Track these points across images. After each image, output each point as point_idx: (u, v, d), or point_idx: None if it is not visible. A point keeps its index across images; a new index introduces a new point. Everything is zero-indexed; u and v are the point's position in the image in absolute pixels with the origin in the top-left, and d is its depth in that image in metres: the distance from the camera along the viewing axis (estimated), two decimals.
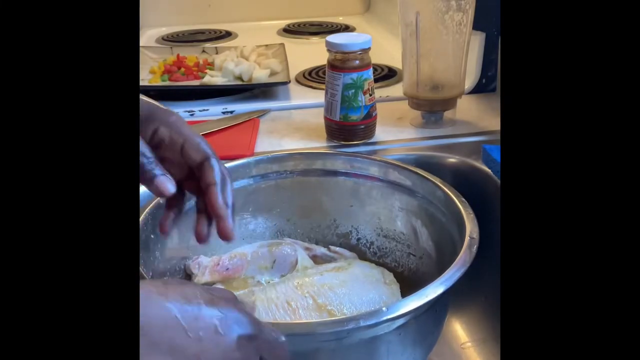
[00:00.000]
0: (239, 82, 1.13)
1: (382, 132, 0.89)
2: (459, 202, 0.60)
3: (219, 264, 0.68)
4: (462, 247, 0.53)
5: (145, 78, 1.14)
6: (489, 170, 0.76)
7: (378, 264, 0.71)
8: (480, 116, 0.94)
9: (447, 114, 0.92)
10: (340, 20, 1.76)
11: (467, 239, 0.54)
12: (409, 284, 0.67)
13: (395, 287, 0.65)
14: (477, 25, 0.89)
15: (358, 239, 0.74)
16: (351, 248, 0.74)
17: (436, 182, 0.64)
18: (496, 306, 0.70)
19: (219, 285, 0.67)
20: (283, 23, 1.74)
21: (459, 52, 0.87)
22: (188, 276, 0.68)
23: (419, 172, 0.67)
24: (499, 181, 0.74)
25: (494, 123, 0.91)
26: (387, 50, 1.37)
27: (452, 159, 0.81)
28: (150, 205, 0.61)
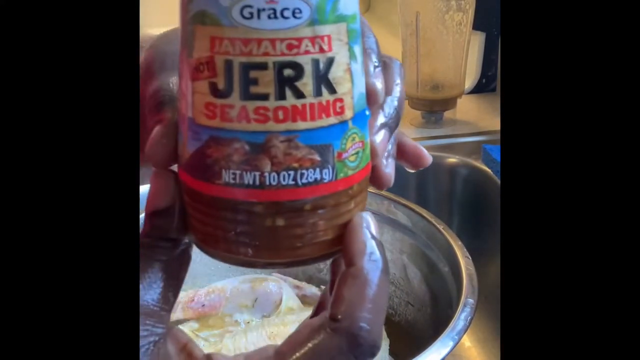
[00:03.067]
0: None
1: None
2: (460, 253, 0.54)
3: (193, 300, 0.62)
4: (457, 310, 0.48)
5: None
6: (489, 170, 0.76)
7: None
8: (480, 116, 0.94)
9: (447, 114, 0.92)
10: None
11: (460, 305, 0.48)
12: (403, 337, 0.63)
13: (384, 344, 0.59)
14: (477, 25, 0.89)
15: None
16: None
17: (438, 226, 0.58)
18: (496, 306, 0.70)
19: (193, 324, 0.61)
20: None
21: (459, 52, 0.87)
22: None
23: (422, 213, 0.61)
24: (499, 181, 0.74)
25: (494, 123, 0.91)
26: (387, 50, 1.37)
27: (452, 159, 0.81)
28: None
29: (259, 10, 0.21)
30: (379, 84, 0.27)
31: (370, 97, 0.26)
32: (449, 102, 0.90)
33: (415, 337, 0.63)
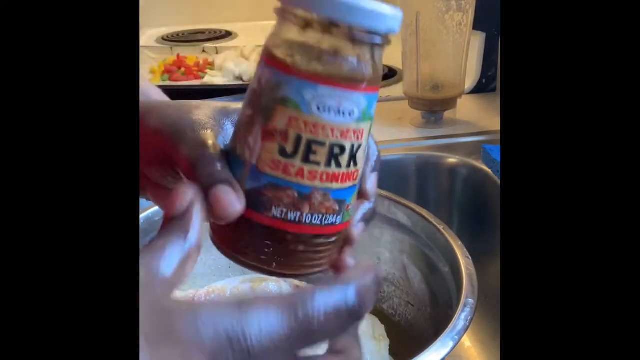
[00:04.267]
0: (239, 82, 1.13)
1: (382, 132, 0.89)
2: (460, 253, 0.54)
3: (193, 300, 0.60)
4: (457, 310, 0.48)
5: (145, 78, 1.14)
6: (489, 170, 0.76)
7: (374, 309, 0.63)
8: (480, 116, 0.94)
9: (447, 114, 0.92)
10: None
11: (461, 305, 0.48)
12: (403, 337, 0.63)
13: (384, 344, 0.59)
14: (477, 25, 0.89)
15: None
16: None
17: (438, 226, 0.58)
18: (496, 306, 0.70)
19: None
20: None
21: (459, 52, 0.87)
22: None
23: (422, 213, 0.61)
24: (499, 181, 0.74)
25: (494, 123, 0.91)
26: (387, 50, 1.37)
27: (452, 159, 0.81)
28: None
29: (329, 107, 0.29)
30: (371, 187, 0.35)
31: (362, 196, 0.34)
32: (449, 102, 0.90)
33: (415, 337, 0.63)
